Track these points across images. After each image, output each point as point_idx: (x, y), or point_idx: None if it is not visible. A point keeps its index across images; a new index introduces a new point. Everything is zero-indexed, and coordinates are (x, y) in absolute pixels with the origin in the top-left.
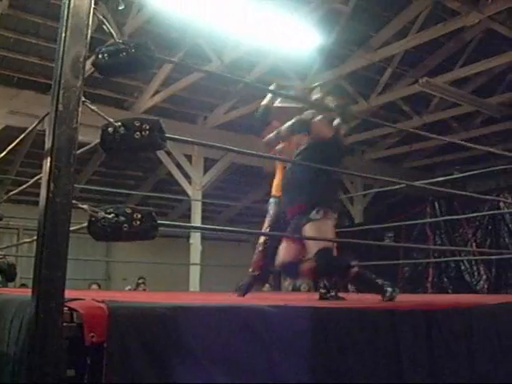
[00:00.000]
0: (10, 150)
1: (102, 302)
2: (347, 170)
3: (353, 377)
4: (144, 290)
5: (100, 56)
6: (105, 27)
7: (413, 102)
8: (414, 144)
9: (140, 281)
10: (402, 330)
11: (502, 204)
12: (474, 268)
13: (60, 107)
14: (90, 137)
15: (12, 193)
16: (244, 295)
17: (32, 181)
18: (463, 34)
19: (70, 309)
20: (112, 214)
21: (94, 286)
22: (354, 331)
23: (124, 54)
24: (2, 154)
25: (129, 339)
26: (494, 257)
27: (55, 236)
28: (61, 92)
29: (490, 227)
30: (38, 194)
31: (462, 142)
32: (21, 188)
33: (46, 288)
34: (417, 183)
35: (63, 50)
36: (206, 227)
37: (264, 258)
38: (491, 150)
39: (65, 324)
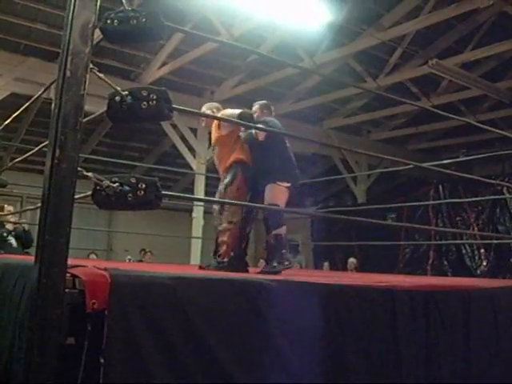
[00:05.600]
0: (15, 117)
1: (105, 269)
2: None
3: (350, 352)
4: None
5: (109, 21)
6: None
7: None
8: (420, 126)
9: (147, 251)
10: (400, 308)
11: (505, 190)
12: (475, 252)
13: (68, 73)
14: (96, 107)
15: (16, 160)
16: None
17: (37, 149)
18: (476, 16)
19: (73, 275)
20: (117, 183)
21: (93, 256)
22: (353, 308)
23: (134, 21)
24: (7, 121)
25: (130, 307)
26: (494, 241)
27: (60, 202)
28: (69, 58)
29: (492, 212)
30: (42, 163)
31: (476, 123)
32: (25, 155)
33: (49, 254)
34: (423, 165)
35: (72, 15)
36: (210, 199)
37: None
38: (504, 133)
39: (67, 290)
